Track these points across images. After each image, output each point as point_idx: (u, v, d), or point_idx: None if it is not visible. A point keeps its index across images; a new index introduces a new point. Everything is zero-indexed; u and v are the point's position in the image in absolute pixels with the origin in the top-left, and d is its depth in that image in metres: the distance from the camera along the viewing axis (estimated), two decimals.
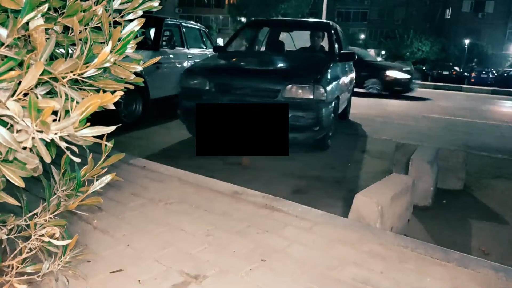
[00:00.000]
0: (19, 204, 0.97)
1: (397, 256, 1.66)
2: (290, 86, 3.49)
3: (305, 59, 4.57)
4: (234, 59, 4.59)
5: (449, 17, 35.84)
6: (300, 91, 3.49)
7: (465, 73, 24.52)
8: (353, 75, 5.96)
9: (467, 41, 30.72)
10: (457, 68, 24.54)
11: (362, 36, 38.93)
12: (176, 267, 1.48)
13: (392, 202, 2.00)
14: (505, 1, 32.97)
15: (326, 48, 4.79)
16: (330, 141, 4.14)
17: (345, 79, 4.76)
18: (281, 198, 2.24)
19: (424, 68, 26.76)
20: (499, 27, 33.94)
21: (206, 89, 3.72)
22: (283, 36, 5.79)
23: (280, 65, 4.34)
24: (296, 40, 5.60)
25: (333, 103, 3.86)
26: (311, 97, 3.46)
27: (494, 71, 24.07)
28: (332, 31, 4.80)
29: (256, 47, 5.70)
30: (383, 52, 35.95)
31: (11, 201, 0.90)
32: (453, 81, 19.32)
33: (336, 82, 4.04)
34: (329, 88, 3.65)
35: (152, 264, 1.50)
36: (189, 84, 3.84)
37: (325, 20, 5.68)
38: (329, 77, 3.79)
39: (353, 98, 6.56)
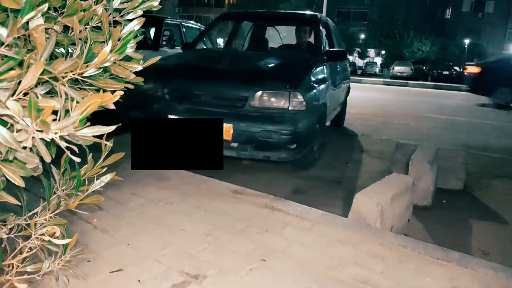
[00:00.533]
0: (19, 204, 0.97)
1: (397, 256, 1.66)
2: (260, 93, 2.79)
3: (283, 59, 3.70)
4: (198, 59, 3.83)
5: (449, 17, 35.84)
6: (272, 99, 2.80)
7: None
8: (347, 76, 5.25)
9: (467, 41, 30.70)
10: (457, 68, 24.51)
11: (362, 36, 38.95)
12: (176, 267, 1.48)
13: (392, 202, 2.00)
14: (505, 1, 32.96)
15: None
16: (318, 154, 3.45)
17: (335, 82, 4.05)
18: (281, 198, 2.24)
19: (424, 68, 26.77)
20: (499, 27, 33.93)
21: (158, 95, 3.06)
22: (270, 32, 5.01)
23: (252, 66, 3.46)
24: (286, 36, 5.03)
25: (318, 112, 3.16)
26: (286, 106, 2.77)
27: None
28: (320, 26, 4.00)
29: (235, 44, 4.82)
30: (383, 52, 35.98)
31: (12, 200, 0.90)
32: (453, 81, 19.31)
33: (322, 86, 3.33)
34: (310, 94, 2.98)
35: (152, 264, 1.50)
36: (140, 89, 3.23)
37: (312, 12, 4.80)
38: (312, 80, 3.13)
39: None
